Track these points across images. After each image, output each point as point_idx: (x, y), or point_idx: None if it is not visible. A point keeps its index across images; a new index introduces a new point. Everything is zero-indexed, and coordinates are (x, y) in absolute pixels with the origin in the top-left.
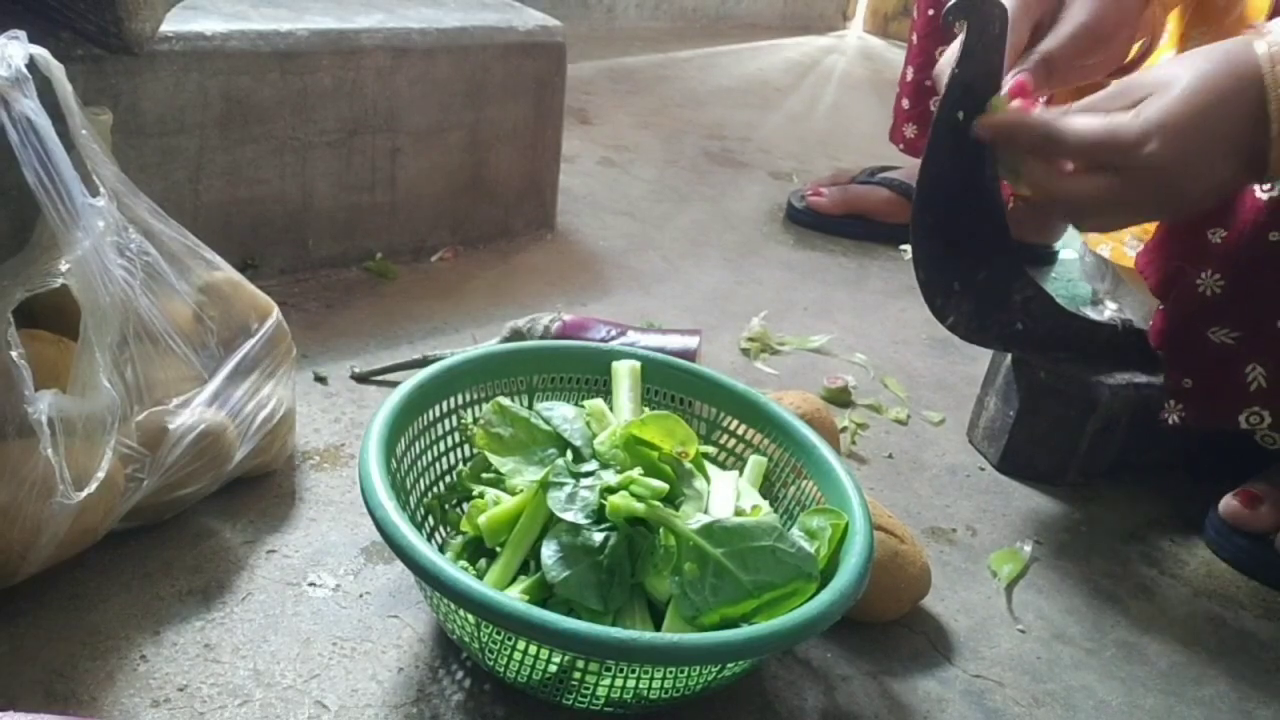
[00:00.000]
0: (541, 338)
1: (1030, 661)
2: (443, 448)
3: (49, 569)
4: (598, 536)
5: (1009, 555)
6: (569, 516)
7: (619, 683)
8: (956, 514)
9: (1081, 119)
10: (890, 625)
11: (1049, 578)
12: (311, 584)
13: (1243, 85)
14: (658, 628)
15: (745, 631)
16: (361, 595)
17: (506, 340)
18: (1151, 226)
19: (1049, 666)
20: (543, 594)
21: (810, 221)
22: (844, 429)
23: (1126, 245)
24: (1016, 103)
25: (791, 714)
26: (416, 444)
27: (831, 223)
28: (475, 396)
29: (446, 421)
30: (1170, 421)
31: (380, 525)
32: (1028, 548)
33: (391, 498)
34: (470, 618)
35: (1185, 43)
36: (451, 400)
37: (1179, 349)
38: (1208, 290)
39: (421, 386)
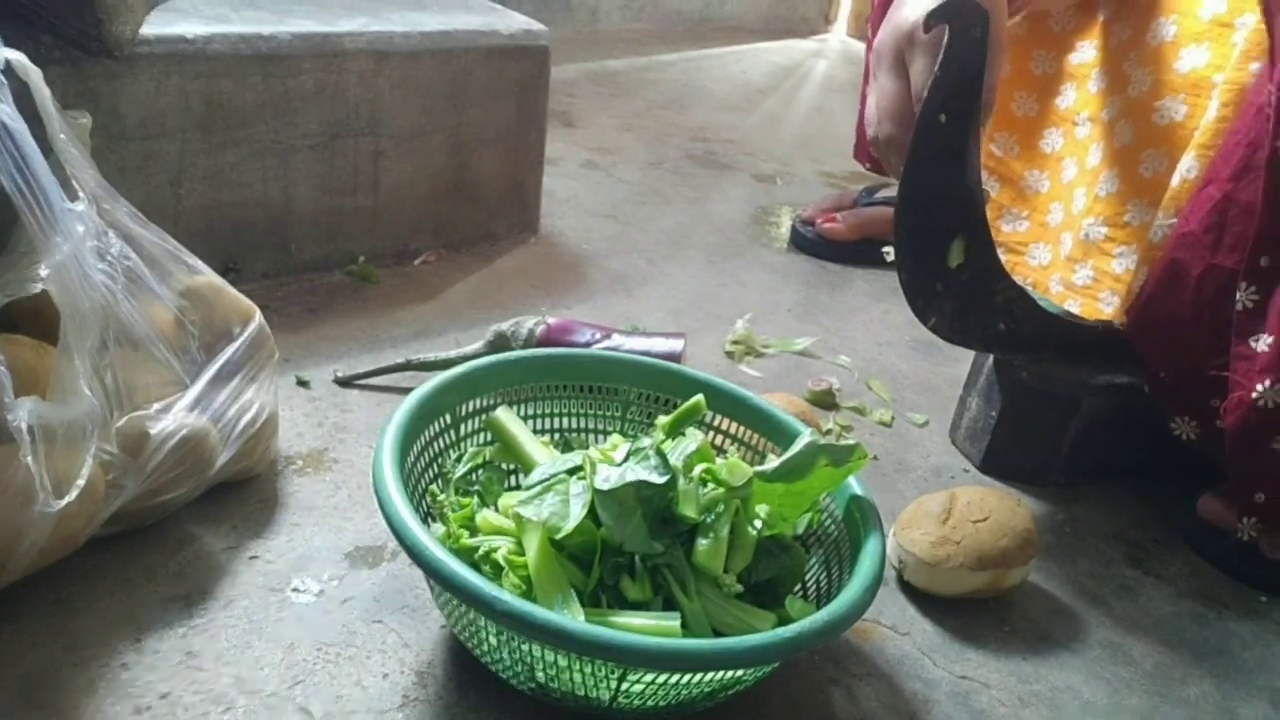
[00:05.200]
0: (526, 341)
1: (1016, 662)
2: (440, 447)
3: (29, 575)
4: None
5: None
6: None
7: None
8: None
9: None
10: (874, 627)
11: (1034, 578)
12: (295, 590)
13: None
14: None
15: (801, 626)
16: (345, 601)
17: (491, 343)
18: (1129, 280)
19: (1034, 667)
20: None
21: (826, 252)
22: (829, 431)
23: (1101, 301)
24: None
25: (777, 717)
26: (425, 454)
27: (849, 250)
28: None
29: (452, 432)
30: (1245, 538)
31: (428, 564)
32: None
33: (430, 534)
34: (530, 646)
35: None
36: (470, 404)
37: (1245, 464)
38: (1268, 403)
39: (439, 390)
